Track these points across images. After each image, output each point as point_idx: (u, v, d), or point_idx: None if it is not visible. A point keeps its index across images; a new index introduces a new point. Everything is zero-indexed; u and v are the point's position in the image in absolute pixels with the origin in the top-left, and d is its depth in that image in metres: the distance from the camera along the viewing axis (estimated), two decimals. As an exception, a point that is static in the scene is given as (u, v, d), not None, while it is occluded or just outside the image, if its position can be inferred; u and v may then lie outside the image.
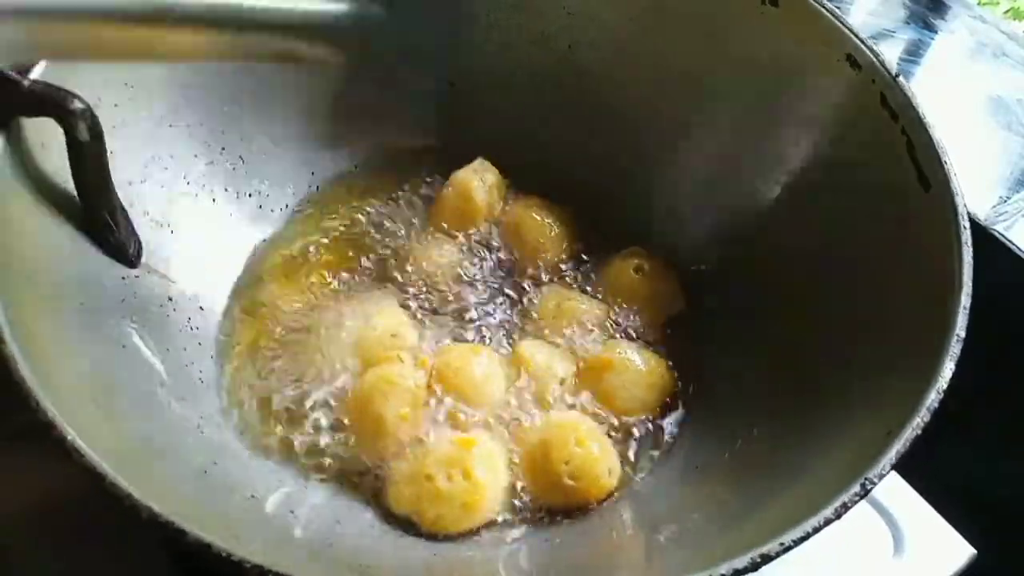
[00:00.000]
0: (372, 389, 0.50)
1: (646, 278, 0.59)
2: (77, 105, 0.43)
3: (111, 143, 0.46)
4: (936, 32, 0.88)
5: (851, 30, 0.51)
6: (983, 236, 0.65)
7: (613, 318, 0.58)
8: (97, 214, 0.47)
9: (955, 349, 0.39)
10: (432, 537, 0.47)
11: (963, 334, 0.40)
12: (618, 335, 0.57)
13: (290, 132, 0.62)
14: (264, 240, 0.61)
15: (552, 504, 0.49)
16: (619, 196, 0.63)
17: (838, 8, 0.52)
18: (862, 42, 0.50)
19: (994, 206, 0.70)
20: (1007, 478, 0.63)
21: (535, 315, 0.58)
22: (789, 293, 0.53)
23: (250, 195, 0.60)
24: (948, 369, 0.39)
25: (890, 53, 0.86)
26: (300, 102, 0.62)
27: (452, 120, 0.64)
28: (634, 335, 0.57)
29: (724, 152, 0.58)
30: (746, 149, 0.57)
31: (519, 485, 0.50)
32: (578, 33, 0.62)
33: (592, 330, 0.57)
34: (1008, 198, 0.71)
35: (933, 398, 0.38)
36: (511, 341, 0.56)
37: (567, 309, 0.57)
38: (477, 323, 0.57)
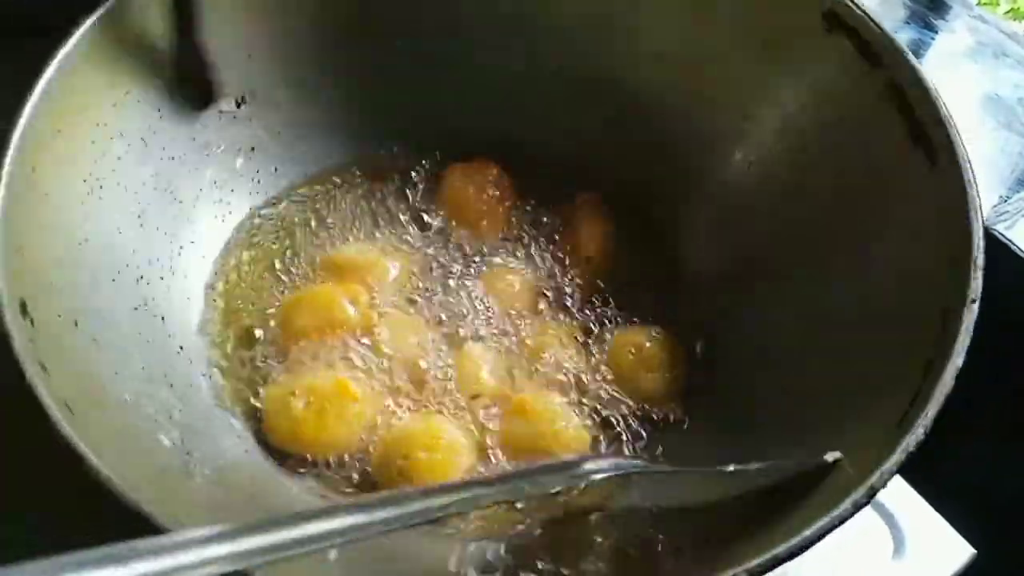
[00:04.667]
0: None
1: (643, 360, 0.56)
2: None
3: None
4: (936, 32, 0.88)
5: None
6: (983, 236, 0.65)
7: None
8: (191, 44, 0.50)
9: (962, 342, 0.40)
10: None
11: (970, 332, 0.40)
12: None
13: (308, 121, 0.63)
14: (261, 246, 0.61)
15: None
16: (649, 203, 0.62)
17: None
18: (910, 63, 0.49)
19: (994, 206, 0.70)
20: (1007, 478, 0.63)
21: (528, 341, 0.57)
22: (796, 306, 0.53)
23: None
24: (959, 357, 0.39)
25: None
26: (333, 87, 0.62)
27: (472, 130, 0.64)
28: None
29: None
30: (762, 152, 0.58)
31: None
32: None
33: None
34: (1008, 198, 0.71)
35: (947, 384, 0.39)
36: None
37: (546, 344, 0.56)
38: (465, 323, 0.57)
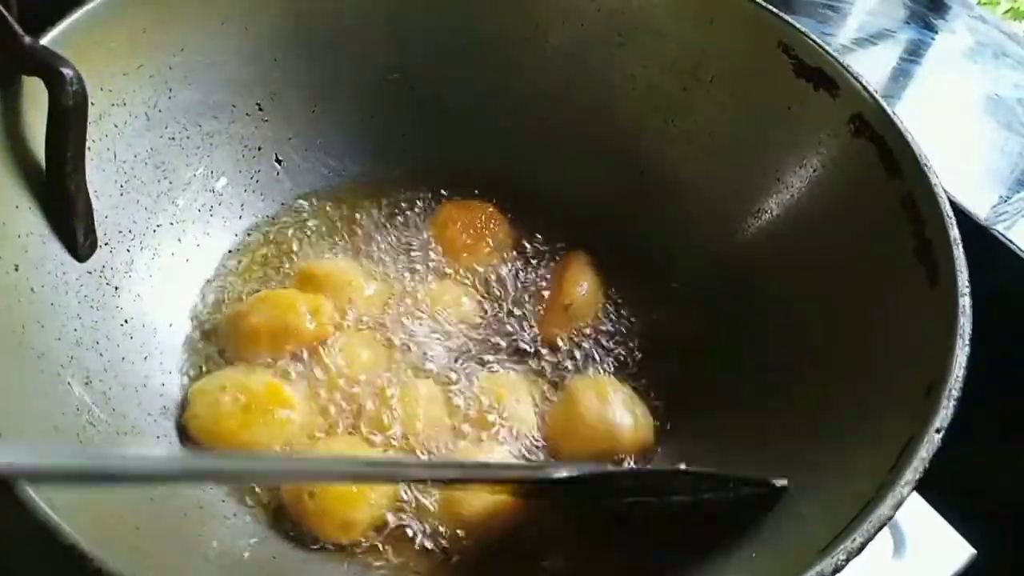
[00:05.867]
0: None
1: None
2: (68, 71, 0.44)
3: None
4: (936, 32, 0.88)
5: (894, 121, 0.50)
6: (983, 236, 0.65)
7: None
8: (61, 190, 0.46)
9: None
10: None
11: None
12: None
13: (300, 150, 0.63)
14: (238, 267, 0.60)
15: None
16: (641, 261, 0.62)
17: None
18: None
19: (994, 206, 0.70)
20: (1007, 478, 0.63)
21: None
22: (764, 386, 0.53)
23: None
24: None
25: (890, 53, 0.86)
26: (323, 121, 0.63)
27: (481, 173, 0.64)
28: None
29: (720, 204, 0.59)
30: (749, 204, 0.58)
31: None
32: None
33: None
34: (1008, 198, 0.71)
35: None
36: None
37: (497, 395, 0.54)
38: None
